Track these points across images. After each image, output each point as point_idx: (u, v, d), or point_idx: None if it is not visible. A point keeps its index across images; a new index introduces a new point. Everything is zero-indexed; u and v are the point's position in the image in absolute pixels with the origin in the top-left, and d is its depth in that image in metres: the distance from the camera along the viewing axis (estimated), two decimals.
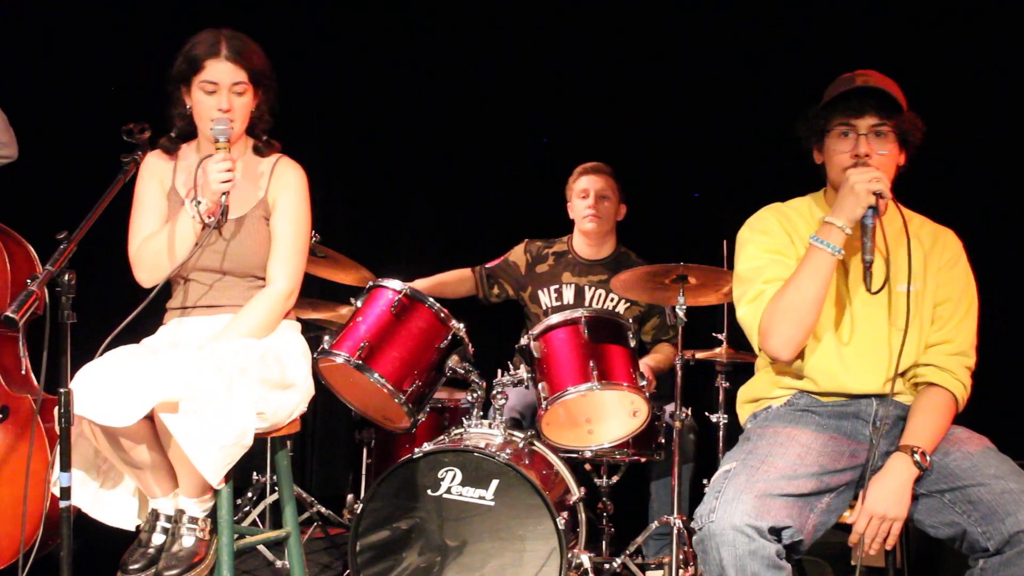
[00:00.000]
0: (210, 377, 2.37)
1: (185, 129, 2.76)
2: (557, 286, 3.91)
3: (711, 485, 2.21)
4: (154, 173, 2.76)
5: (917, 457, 2.24)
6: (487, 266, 4.07)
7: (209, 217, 2.61)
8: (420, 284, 3.82)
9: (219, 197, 2.58)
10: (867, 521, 2.21)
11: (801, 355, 2.41)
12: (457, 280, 4.04)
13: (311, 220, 2.79)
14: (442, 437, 3.19)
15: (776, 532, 2.10)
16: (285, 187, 2.74)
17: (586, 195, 3.90)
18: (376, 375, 2.93)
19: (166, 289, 2.74)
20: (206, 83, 2.62)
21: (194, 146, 2.78)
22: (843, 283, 2.43)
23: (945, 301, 2.44)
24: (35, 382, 3.15)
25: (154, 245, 2.67)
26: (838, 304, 2.42)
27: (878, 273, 2.31)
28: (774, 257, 2.42)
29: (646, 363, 3.69)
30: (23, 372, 3.14)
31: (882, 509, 2.20)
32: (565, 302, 3.89)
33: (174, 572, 2.42)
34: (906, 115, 2.38)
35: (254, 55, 2.68)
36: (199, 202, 2.61)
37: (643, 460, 3.47)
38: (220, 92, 2.62)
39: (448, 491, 2.95)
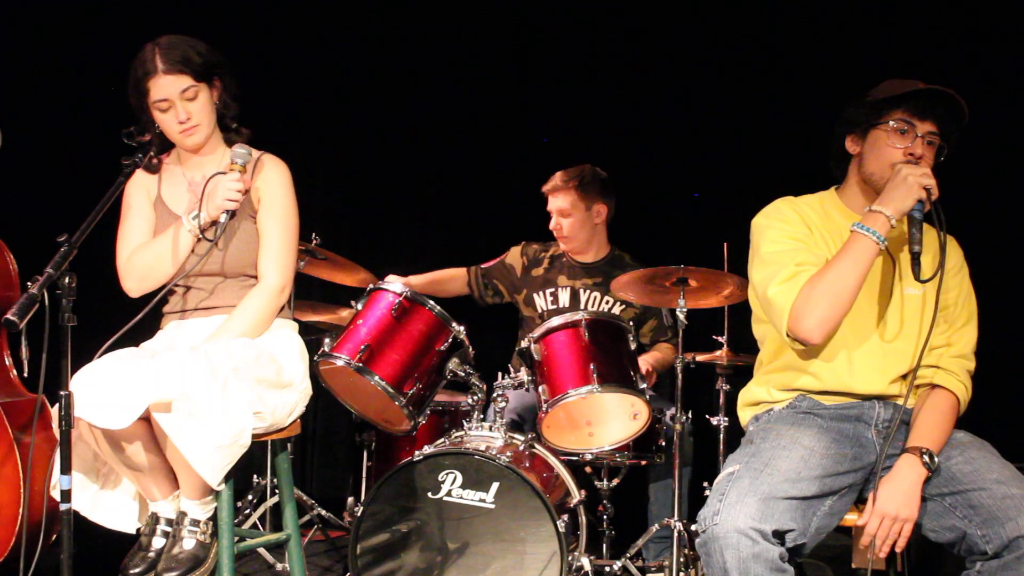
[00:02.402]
0: (205, 378, 2.36)
1: (163, 147, 2.77)
2: (553, 289, 3.91)
3: (714, 487, 2.20)
4: (139, 184, 2.77)
5: (925, 458, 2.25)
6: (483, 267, 4.06)
7: (203, 231, 2.62)
8: (414, 280, 3.84)
9: (220, 214, 2.59)
10: (879, 522, 2.21)
11: (806, 353, 2.41)
12: (450, 278, 4.04)
13: (298, 214, 2.78)
14: (442, 440, 3.19)
15: (780, 535, 2.10)
16: (269, 183, 2.73)
17: (551, 215, 3.89)
18: (376, 378, 2.92)
19: (155, 294, 2.75)
20: (157, 102, 2.61)
21: (174, 156, 2.79)
22: None
23: (949, 306, 2.45)
24: (21, 385, 3.15)
25: (145, 256, 2.68)
26: None
27: (927, 263, 2.28)
28: (800, 244, 2.41)
29: (646, 359, 3.69)
30: (11, 375, 3.14)
31: (893, 510, 2.20)
32: (561, 305, 3.88)
33: (173, 574, 2.42)
34: (957, 135, 2.40)
35: (191, 53, 2.61)
36: (196, 215, 2.62)
37: (643, 463, 3.47)
38: (173, 106, 2.61)
39: (448, 494, 2.94)
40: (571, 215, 3.85)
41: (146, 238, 2.72)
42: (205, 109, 2.65)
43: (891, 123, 2.37)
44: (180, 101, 2.60)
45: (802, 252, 2.38)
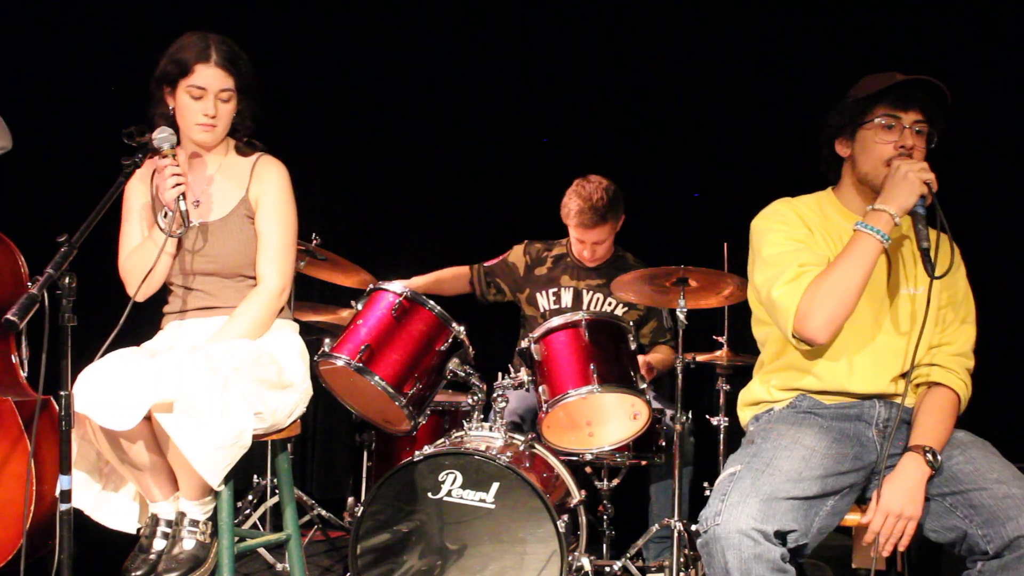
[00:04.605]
0: (205, 378, 2.37)
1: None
2: (555, 289, 3.90)
3: (716, 488, 2.20)
4: (140, 182, 2.76)
5: (929, 456, 2.25)
6: (485, 265, 4.05)
7: (178, 228, 2.60)
8: (417, 282, 3.83)
9: (176, 204, 2.58)
10: (883, 520, 2.21)
11: (807, 353, 2.41)
12: (453, 277, 4.03)
13: (296, 215, 2.77)
14: (442, 440, 3.19)
15: (781, 536, 2.10)
16: (267, 184, 2.73)
17: (581, 243, 3.82)
18: (376, 378, 2.92)
19: (160, 295, 2.75)
20: (194, 87, 2.61)
21: (179, 151, 2.77)
22: None
23: (946, 305, 2.45)
24: (26, 383, 3.15)
25: (134, 260, 2.69)
26: None
27: (943, 256, 2.27)
28: (801, 245, 2.41)
29: (646, 359, 3.68)
30: (12, 375, 3.13)
31: (898, 507, 2.20)
32: (563, 305, 3.87)
33: (173, 575, 2.43)
34: (945, 120, 2.39)
35: (242, 63, 2.67)
36: (165, 214, 2.62)
37: (643, 463, 3.47)
38: (207, 98, 2.62)
39: (448, 494, 2.94)
40: (606, 240, 3.82)
41: (143, 239, 2.72)
42: (228, 115, 2.68)
43: (876, 120, 2.37)
44: (215, 97, 2.62)
45: (804, 253, 2.38)
